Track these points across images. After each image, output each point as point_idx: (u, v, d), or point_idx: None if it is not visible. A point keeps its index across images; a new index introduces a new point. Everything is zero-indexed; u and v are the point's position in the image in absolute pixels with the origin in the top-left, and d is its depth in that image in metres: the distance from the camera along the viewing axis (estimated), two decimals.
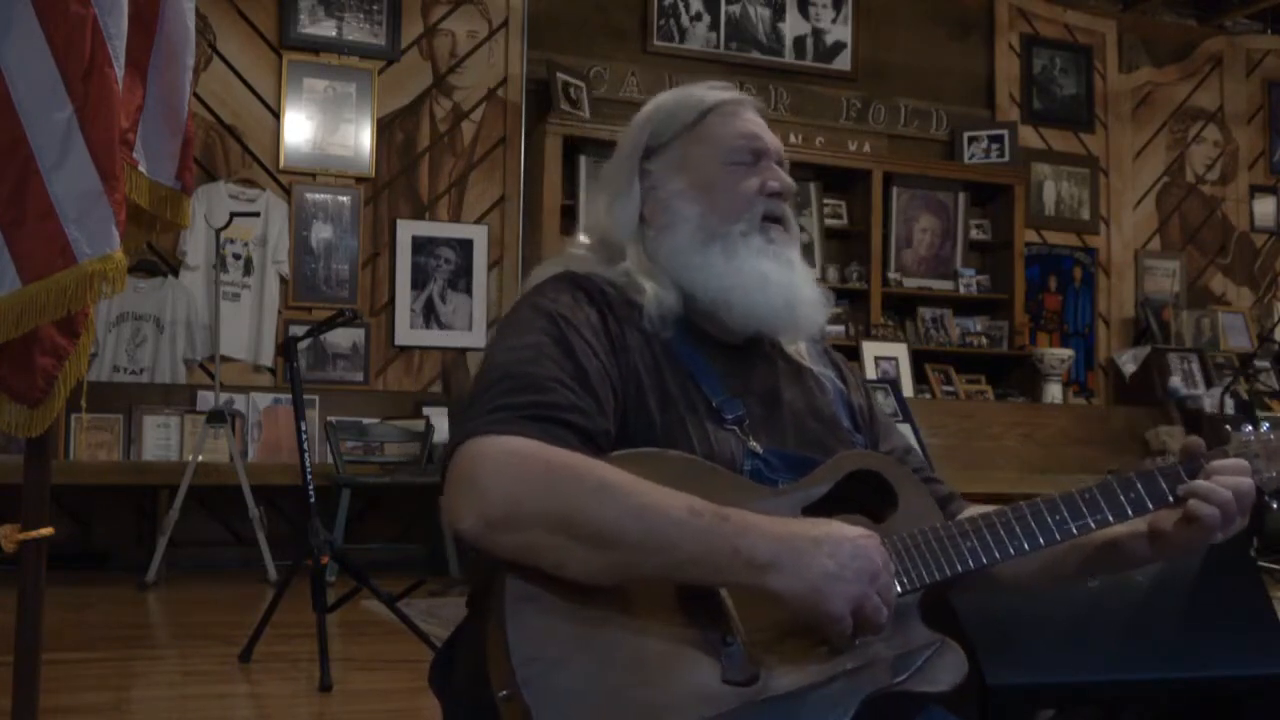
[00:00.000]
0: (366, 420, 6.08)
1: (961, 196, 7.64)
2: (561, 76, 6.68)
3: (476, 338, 6.61)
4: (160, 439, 5.88)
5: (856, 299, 7.26)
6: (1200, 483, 1.32)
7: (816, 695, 1.18)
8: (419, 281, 6.55)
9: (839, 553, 1.18)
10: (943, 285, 7.55)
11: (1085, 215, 8.03)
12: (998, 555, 1.30)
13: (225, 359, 5.86)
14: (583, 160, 6.78)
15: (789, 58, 7.41)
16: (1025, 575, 1.41)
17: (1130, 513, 1.34)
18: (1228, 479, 1.33)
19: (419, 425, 6.04)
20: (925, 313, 7.45)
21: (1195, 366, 7.66)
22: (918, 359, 7.26)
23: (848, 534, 1.20)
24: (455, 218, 6.63)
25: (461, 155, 6.65)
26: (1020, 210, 7.59)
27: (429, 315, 6.57)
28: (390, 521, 6.22)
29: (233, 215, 5.76)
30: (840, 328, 7.05)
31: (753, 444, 1.35)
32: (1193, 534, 1.32)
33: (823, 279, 6.66)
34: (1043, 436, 7.03)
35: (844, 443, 1.43)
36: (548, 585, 1.15)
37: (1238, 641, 1.92)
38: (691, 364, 1.37)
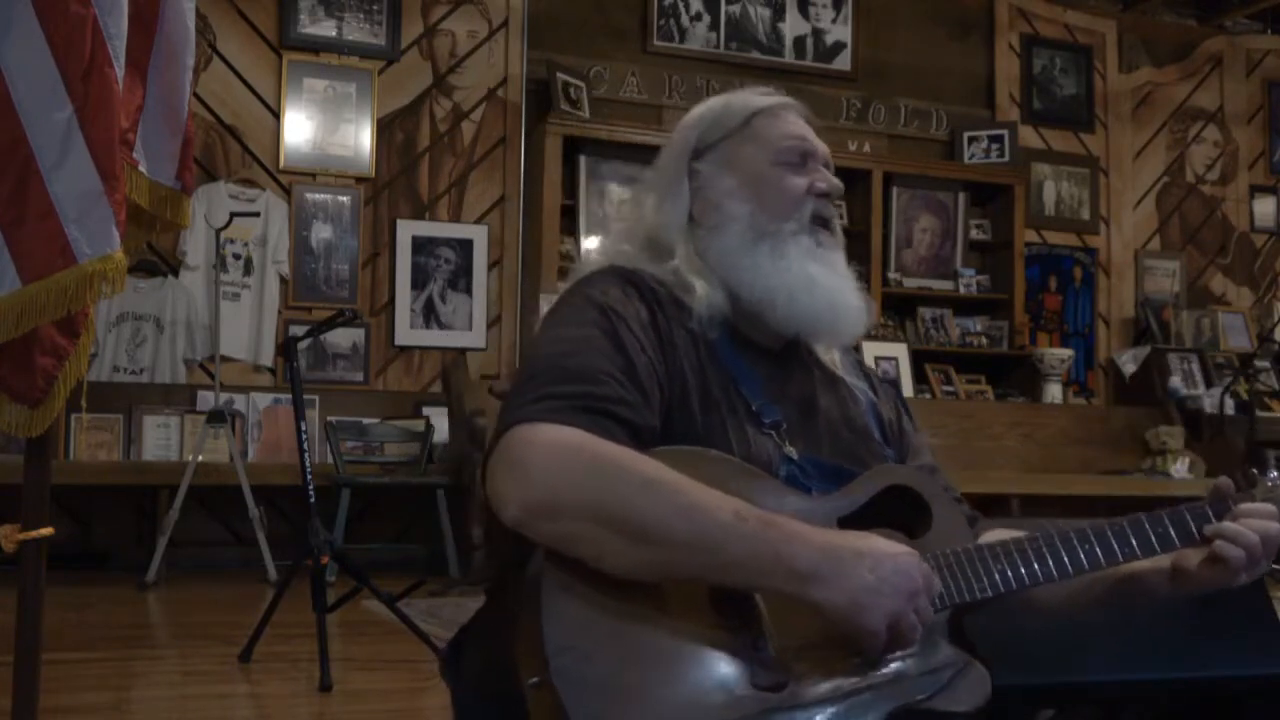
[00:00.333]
0: (366, 420, 6.08)
1: (961, 196, 7.64)
2: (561, 76, 6.68)
3: (476, 338, 6.61)
4: (160, 439, 5.88)
5: None
6: (1228, 524, 1.34)
7: (842, 706, 1.19)
8: (419, 281, 6.55)
9: (880, 568, 1.18)
10: (943, 285, 7.55)
11: (1085, 215, 8.03)
12: (1027, 581, 1.32)
13: (225, 359, 5.86)
14: (583, 160, 6.79)
15: (789, 58, 7.41)
16: (1045, 601, 1.43)
17: (1158, 548, 1.36)
18: (1255, 522, 1.34)
19: (419, 425, 6.04)
20: (925, 313, 7.45)
21: (1195, 366, 7.66)
22: (918, 359, 7.27)
23: (890, 550, 1.21)
24: (455, 218, 6.63)
25: (461, 155, 6.65)
26: (1020, 210, 7.59)
27: (429, 315, 6.57)
28: (390, 521, 6.22)
29: (233, 215, 5.76)
30: None
31: (789, 449, 1.36)
32: (1216, 574, 1.34)
33: None
34: (1043, 436, 7.03)
35: (875, 454, 1.44)
36: (585, 577, 1.15)
37: (1238, 641, 1.92)
38: (733, 367, 1.38)
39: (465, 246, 6.62)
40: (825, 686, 1.19)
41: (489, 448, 1.22)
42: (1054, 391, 7.36)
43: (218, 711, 3.11)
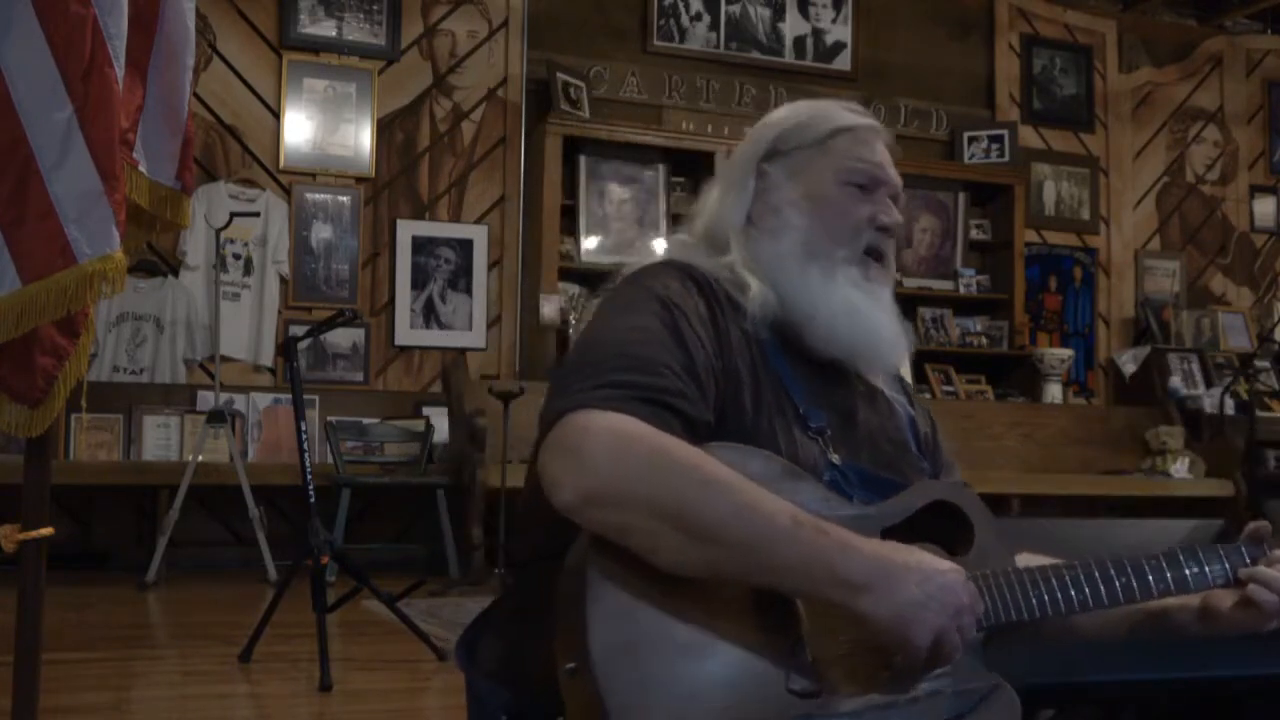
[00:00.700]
0: (366, 420, 6.08)
1: (961, 196, 7.64)
2: (561, 76, 6.68)
3: (476, 338, 6.61)
4: (160, 439, 5.89)
5: None
6: (1263, 570, 1.35)
7: (875, 719, 1.19)
8: (419, 281, 6.55)
9: (928, 583, 1.18)
10: (943, 285, 7.55)
11: (1085, 215, 8.03)
12: (1063, 608, 1.32)
13: (225, 359, 5.86)
14: (583, 160, 6.79)
15: (789, 58, 7.41)
16: (1073, 628, 1.44)
17: (1191, 586, 1.37)
18: None
19: (419, 425, 6.03)
20: (925, 313, 7.45)
21: (1195, 366, 7.66)
22: (918, 359, 7.26)
23: (939, 566, 1.21)
24: (455, 218, 6.63)
25: (461, 155, 6.65)
26: (1020, 210, 7.59)
27: (429, 315, 6.57)
28: (390, 521, 6.22)
29: (233, 215, 5.76)
30: None
31: (833, 456, 1.35)
32: (1247, 618, 1.35)
33: None
34: (1043, 436, 7.02)
35: (913, 467, 1.45)
36: (631, 568, 1.14)
37: (1238, 642, 1.92)
38: (781, 369, 1.37)
39: (465, 246, 6.62)
40: (858, 698, 1.20)
41: (542, 430, 1.21)
42: (1054, 391, 7.36)
43: (218, 711, 3.11)
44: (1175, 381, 7.51)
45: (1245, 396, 7.12)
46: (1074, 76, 8.08)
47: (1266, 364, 7.64)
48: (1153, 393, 7.50)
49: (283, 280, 6.31)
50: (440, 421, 6.05)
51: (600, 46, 7.01)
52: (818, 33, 7.48)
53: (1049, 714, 1.90)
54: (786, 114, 1.50)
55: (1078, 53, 8.11)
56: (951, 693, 1.25)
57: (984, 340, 7.52)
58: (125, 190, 2.06)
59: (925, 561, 1.20)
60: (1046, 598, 1.31)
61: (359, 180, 6.47)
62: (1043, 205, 7.92)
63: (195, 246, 6.09)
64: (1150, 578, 1.35)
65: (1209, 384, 7.50)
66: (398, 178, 6.56)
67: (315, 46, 6.42)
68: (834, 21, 7.50)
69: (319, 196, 6.42)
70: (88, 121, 1.93)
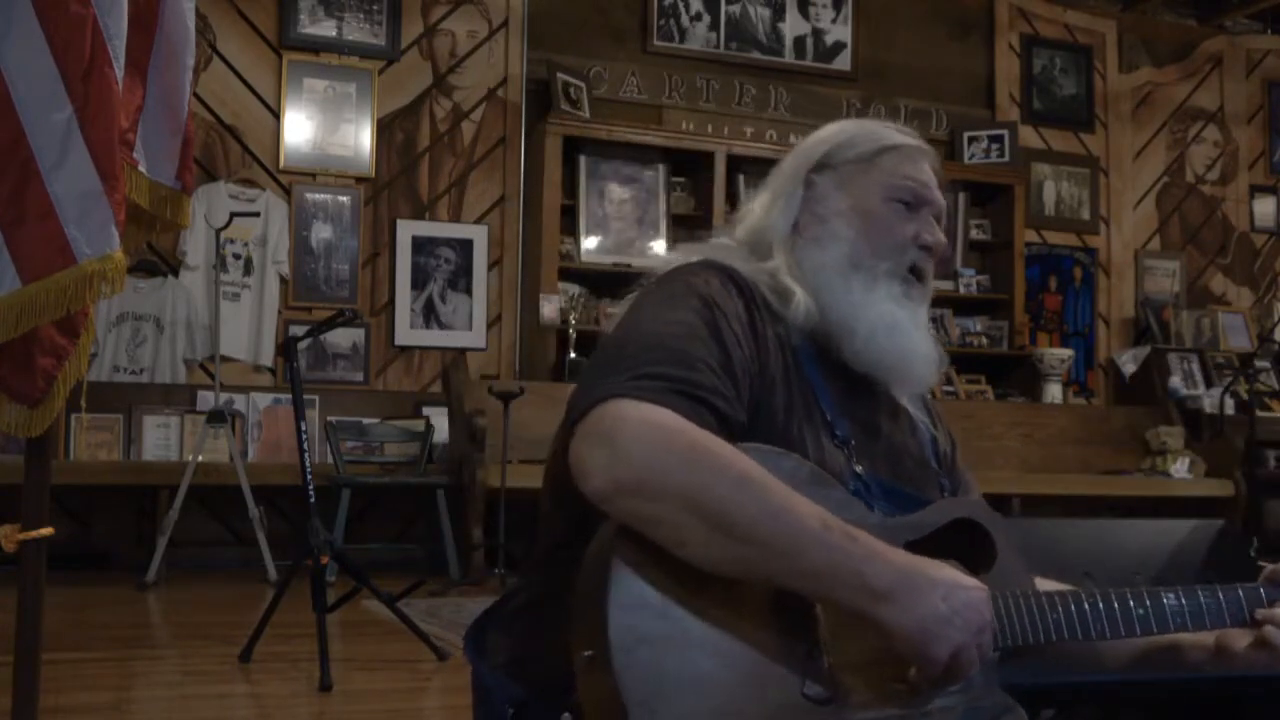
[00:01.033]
0: (366, 420, 6.08)
1: (961, 196, 7.63)
2: (561, 76, 6.68)
3: (476, 338, 6.61)
4: (160, 439, 5.89)
5: None
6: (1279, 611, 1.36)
7: None
8: (419, 281, 6.55)
9: (953, 598, 1.18)
10: (943, 285, 7.55)
11: (1085, 215, 8.03)
12: (1079, 634, 1.33)
13: (225, 359, 5.86)
14: (583, 160, 6.79)
15: (789, 58, 7.41)
16: (1087, 654, 1.45)
17: (1208, 623, 1.37)
18: None
19: (419, 425, 6.03)
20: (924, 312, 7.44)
21: (1195, 366, 7.66)
22: None
23: (964, 582, 1.21)
24: (455, 218, 6.64)
25: (461, 155, 6.65)
26: (1020, 210, 7.59)
27: (429, 315, 6.57)
28: (390, 521, 6.22)
29: (233, 215, 5.76)
30: None
31: (857, 466, 1.36)
32: (1261, 659, 1.35)
33: None
34: (1043, 436, 7.02)
35: (932, 484, 1.45)
36: (656, 560, 1.15)
37: None
38: (813, 377, 1.38)
39: (465, 246, 6.62)
40: (872, 709, 1.20)
41: (573, 416, 1.21)
42: (1054, 391, 7.36)
43: (218, 711, 3.11)
44: (1175, 381, 7.51)
45: (1245, 396, 7.12)
46: (1074, 76, 8.08)
47: (1266, 364, 7.64)
48: (1153, 393, 7.50)
49: (283, 280, 6.31)
50: (440, 421, 6.05)
51: (600, 46, 7.01)
52: (818, 33, 7.48)
53: (1049, 714, 1.90)
54: (838, 129, 1.52)
55: (1078, 53, 8.11)
56: (964, 710, 1.26)
57: (984, 340, 7.52)
58: (125, 190, 2.06)
59: (951, 576, 1.20)
60: (1064, 622, 1.32)
61: (359, 180, 6.48)
62: (1043, 205, 7.92)
63: (195, 246, 6.09)
64: (1168, 611, 1.36)
65: (1209, 384, 7.50)
66: (398, 178, 6.56)
67: (315, 46, 6.43)
68: (834, 21, 7.50)
69: (319, 196, 6.42)
70: (88, 121, 1.93)
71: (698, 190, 6.99)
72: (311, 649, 3.30)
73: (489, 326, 6.65)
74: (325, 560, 3.47)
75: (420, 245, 6.56)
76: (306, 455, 3.69)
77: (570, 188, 6.74)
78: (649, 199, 6.94)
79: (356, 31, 6.50)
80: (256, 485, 5.28)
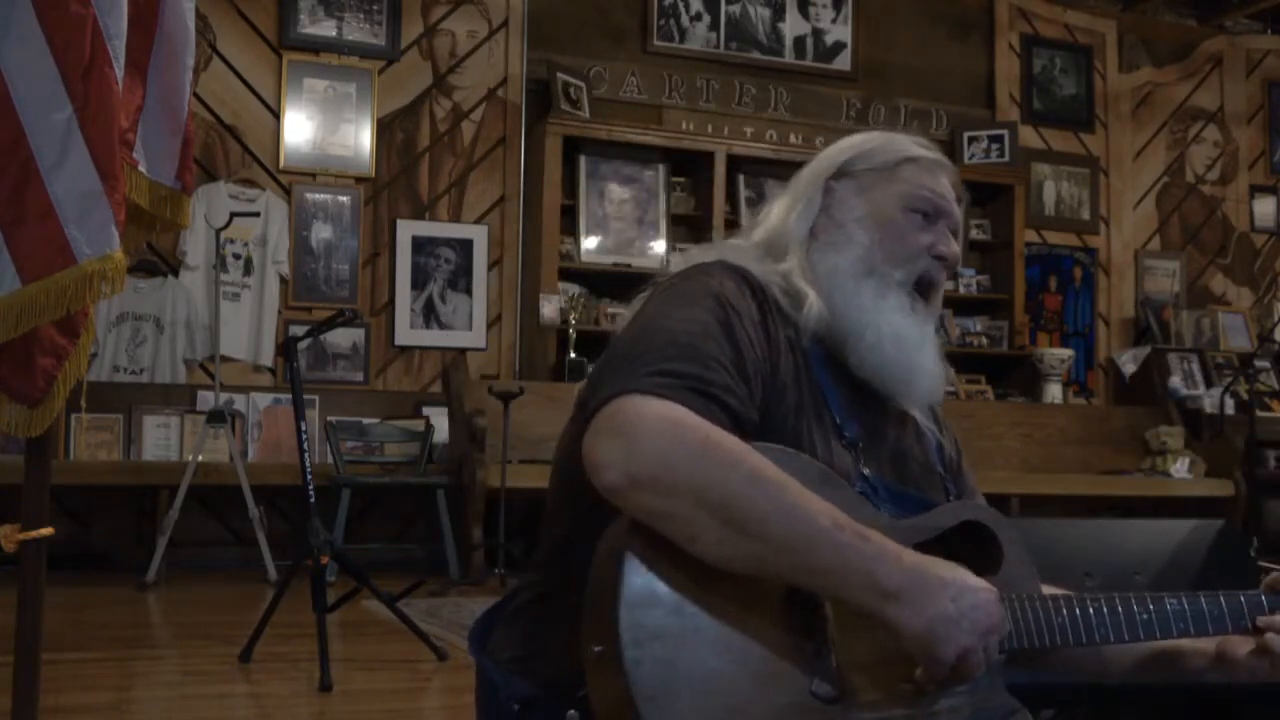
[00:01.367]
0: (366, 420, 6.08)
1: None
2: (561, 76, 6.68)
3: (476, 338, 6.61)
4: (160, 439, 5.89)
5: None
6: None
7: None
8: (419, 281, 6.55)
9: (962, 599, 1.19)
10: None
11: (1085, 215, 8.03)
12: (1084, 638, 1.34)
13: (225, 359, 5.86)
14: (583, 160, 6.78)
15: (789, 58, 7.41)
16: (1089, 660, 1.46)
17: (1210, 630, 1.39)
18: None
19: (419, 425, 6.04)
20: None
21: (1195, 366, 7.66)
22: None
23: (973, 583, 1.21)
24: (455, 218, 6.63)
25: (461, 155, 6.65)
26: (1020, 210, 7.59)
27: (429, 315, 6.57)
28: (390, 521, 6.22)
29: (233, 215, 5.76)
30: None
31: (864, 468, 1.37)
32: (1262, 666, 1.37)
33: None
34: (1043, 436, 7.02)
35: (938, 489, 1.46)
36: (668, 556, 1.15)
37: None
38: (822, 379, 1.39)
39: (465, 246, 6.62)
40: (878, 708, 1.20)
41: (588, 413, 1.22)
42: (1054, 391, 7.36)
43: (218, 711, 3.11)
44: (1175, 381, 7.51)
45: (1245, 396, 7.12)
46: (1074, 76, 8.08)
47: (1266, 364, 7.64)
48: (1153, 393, 7.50)
49: (283, 280, 6.31)
50: (440, 421, 6.05)
51: (600, 46, 7.01)
52: (818, 33, 7.48)
53: (1049, 714, 1.90)
54: (860, 139, 1.54)
55: (1078, 53, 8.11)
56: (970, 711, 1.26)
57: (984, 340, 7.52)
58: (125, 190, 2.06)
59: (961, 577, 1.21)
60: (1069, 625, 1.33)
61: (359, 180, 6.48)
62: (1043, 205, 7.92)
63: (195, 246, 6.09)
64: (1171, 616, 1.37)
65: (1209, 384, 7.50)
66: (398, 178, 6.56)
67: (315, 46, 6.42)
68: (834, 21, 7.50)
69: (319, 196, 6.42)
70: (88, 121, 1.93)
71: (698, 190, 6.99)
72: (311, 649, 3.30)
73: (489, 326, 6.65)
74: (325, 560, 3.47)
75: (420, 245, 6.56)
76: (306, 455, 3.69)
77: (570, 188, 6.74)
78: (649, 199, 6.94)
79: (356, 31, 6.50)
80: (256, 485, 5.28)
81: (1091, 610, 1.34)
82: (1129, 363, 7.74)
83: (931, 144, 1.55)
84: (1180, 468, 6.79)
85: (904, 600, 1.17)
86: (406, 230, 6.54)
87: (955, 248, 1.48)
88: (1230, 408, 7.06)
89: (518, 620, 1.38)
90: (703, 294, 1.33)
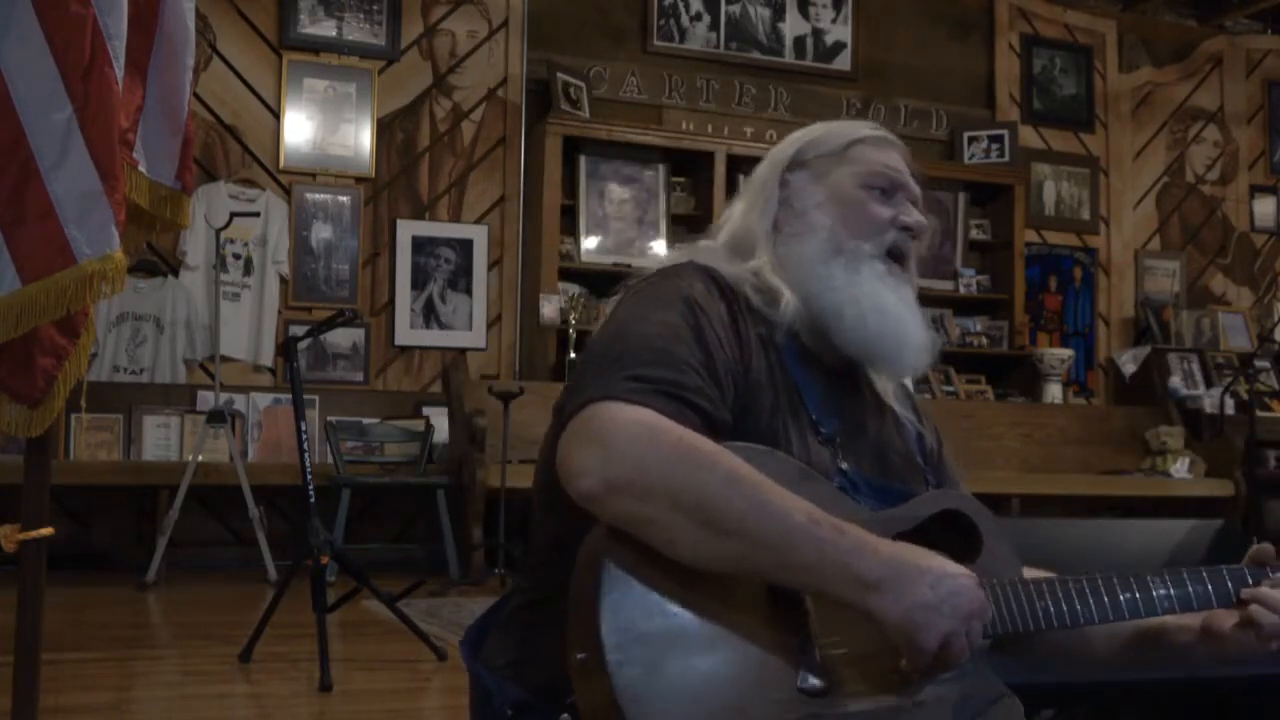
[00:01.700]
0: (366, 420, 6.08)
1: (961, 196, 7.64)
2: (561, 76, 6.68)
3: (476, 338, 6.61)
4: (160, 439, 5.89)
5: None
6: (1266, 590, 1.37)
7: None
8: (419, 281, 6.55)
9: (941, 586, 1.19)
10: (943, 285, 7.55)
11: (1085, 215, 8.03)
12: (1069, 620, 1.34)
13: (225, 359, 5.86)
14: (583, 160, 6.78)
15: (789, 58, 7.41)
16: (1075, 642, 1.46)
17: (1195, 605, 1.39)
18: None
19: (419, 425, 6.04)
20: (925, 313, 7.42)
21: (1195, 366, 7.66)
22: None
23: (952, 570, 1.22)
24: (455, 218, 6.63)
25: (461, 155, 6.65)
26: (1020, 210, 7.59)
27: (429, 315, 6.57)
28: (390, 521, 6.22)
29: (233, 215, 5.76)
30: None
31: (842, 463, 1.37)
32: (1248, 639, 1.37)
33: None
34: (1043, 436, 7.02)
35: (919, 479, 1.47)
36: (647, 560, 1.16)
37: None
38: (797, 375, 1.39)
39: (465, 246, 6.62)
40: (865, 699, 1.21)
41: (563, 419, 1.23)
42: (1054, 391, 7.36)
43: (218, 711, 3.11)
44: (1175, 381, 7.51)
45: (1245, 396, 7.12)
46: (1074, 76, 8.08)
47: (1266, 364, 7.64)
48: (1153, 393, 7.50)
49: (283, 280, 6.31)
50: (440, 421, 6.05)
51: (600, 46, 7.01)
52: (818, 33, 7.48)
53: (1049, 714, 1.90)
54: (808, 129, 1.55)
55: (1078, 53, 8.11)
56: (958, 698, 1.26)
57: (984, 340, 7.52)
58: (125, 190, 2.06)
59: (939, 565, 1.21)
60: (1053, 609, 1.33)
61: (359, 180, 6.48)
62: (1043, 205, 7.92)
63: (195, 246, 6.09)
64: (1155, 594, 1.38)
65: (1209, 384, 7.50)
66: (398, 178, 6.56)
67: (315, 46, 6.42)
68: (834, 21, 7.50)
69: (319, 196, 6.42)
70: (88, 121, 1.93)
71: (698, 190, 6.99)
72: (311, 649, 3.31)
73: (489, 326, 6.65)
74: (325, 560, 3.47)
75: (420, 245, 6.56)
76: (306, 455, 3.69)
77: (570, 188, 6.74)
78: (649, 199, 6.94)
79: (356, 31, 6.50)
80: (256, 485, 5.28)
81: (1075, 591, 1.35)
82: (1129, 363, 7.74)
83: (879, 125, 1.56)
84: (1180, 468, 6.79)
85: (883, 590, 1.17)
86: (406, 230, 6.54)
87: (920, 217, 1.49)
88: (1230, 408, 7.06)
89: (510, 625, 1.38)
90: (673, 296, 1.33)
